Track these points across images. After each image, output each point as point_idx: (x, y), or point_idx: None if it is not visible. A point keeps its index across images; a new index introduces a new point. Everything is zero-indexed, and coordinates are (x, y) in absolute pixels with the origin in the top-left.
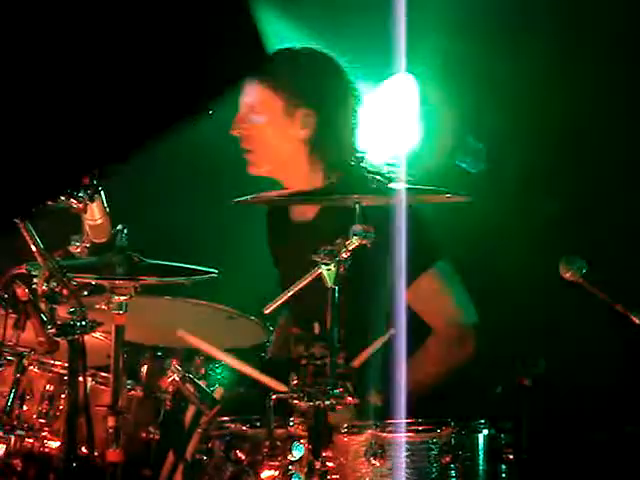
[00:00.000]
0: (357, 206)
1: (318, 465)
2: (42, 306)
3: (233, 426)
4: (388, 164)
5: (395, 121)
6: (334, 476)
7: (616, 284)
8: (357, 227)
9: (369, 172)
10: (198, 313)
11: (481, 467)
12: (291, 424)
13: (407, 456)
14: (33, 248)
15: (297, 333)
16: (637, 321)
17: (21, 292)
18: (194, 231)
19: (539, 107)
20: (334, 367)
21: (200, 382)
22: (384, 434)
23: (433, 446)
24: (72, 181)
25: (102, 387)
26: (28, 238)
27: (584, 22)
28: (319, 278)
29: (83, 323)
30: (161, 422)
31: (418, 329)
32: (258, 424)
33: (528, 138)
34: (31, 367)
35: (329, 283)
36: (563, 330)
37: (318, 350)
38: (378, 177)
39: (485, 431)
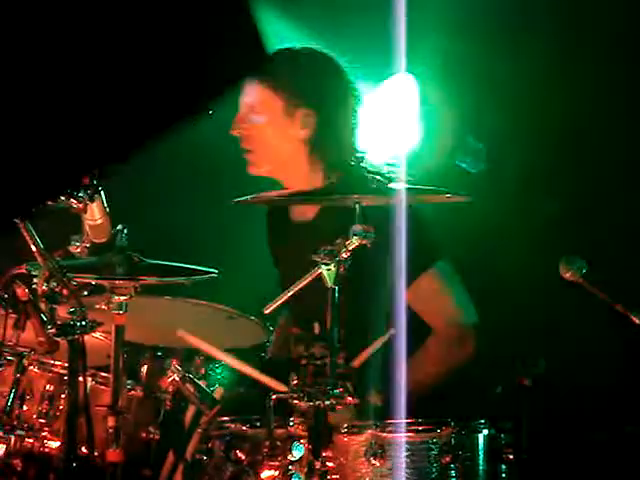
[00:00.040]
0: (357, 206)
1: (318, 465)
2: (42, 306)
3: (233, 426)
4: (388, 164)
5: (395, 121)
6: (334, 476)
7: (616, 284)
8: (357, 227)
9: (369, 172)
10: (198, 313)
11: (481, 467)
12: (291, 424)
13: (407, 456)
14: (33, 248)
15: (297, 333)
16: (637, 321)
17: (21, 292)
18: (194, 231)
19: (539, 107)
20: (334, 367)
21: (200, 382)
22: (384, 434)
23: (433, 446)
24: (72, 181)
25: (102, 387)
26: (28, 238)
27: (584, 22)
28: (319, 278)
29: (83, 323)
30: (161, 422)
31: (418, 329)
32: (258, 424)
33: (528, 138)
34: (31, 367)
35: (329, 283)
36: (563, 330)
37: (318, 350)
38: (378, 177)
39: (485, 431)
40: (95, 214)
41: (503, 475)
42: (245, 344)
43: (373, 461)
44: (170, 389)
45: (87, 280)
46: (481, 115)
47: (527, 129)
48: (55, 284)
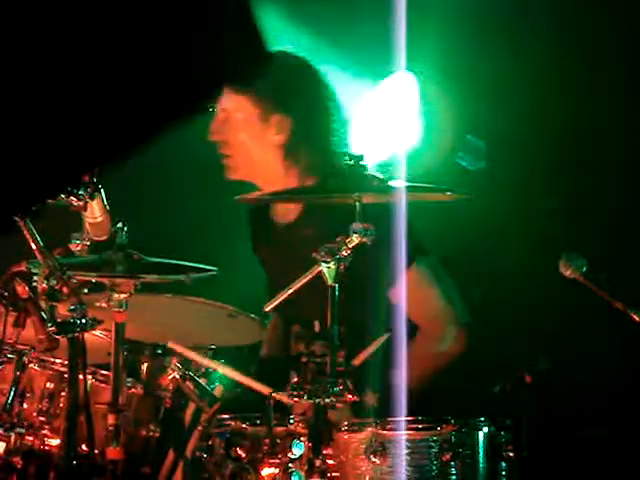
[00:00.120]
0: (357, 204)
1: (318, 463)
2: (42, 304)
3: (233, 424)
4: (387, 162)
5: (395, 119)
6: (334, 474)
7: (616, 282)
8: (357, 225)
9: (368, 171)
10: (198, 311)
11: (481, 465)
12: (291, 422)
13: (407, 454)
14: (33, 246)
15: (297, 331)
16: (637, 319)
17: (21, 290)
18: (194, 229)
19: (539, 107)
20: (334, 365)
21: (200, 380)
22: (384, 432)
23: (433, 444)
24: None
25: (102, 385)
26: (28, 236)
27: (584, 22)
28: (318, 276)
29: (83, 321)
30: (161, 420)
31: (415, 327)
32: (258, 422)
33: (528, 138)
34: (31, 365)
35: (329, 281)
36: (563, 330)
37: (318, 348)
38: (377, 175)
39: (485, 429)
40: (95, 212)
41: (503, 473)
42: (245, 342)
43: (373, 459)
44: (170, 387)
45: (87, 278)
46: (481, 115)
47: (527, 129)
48: (55, 282)
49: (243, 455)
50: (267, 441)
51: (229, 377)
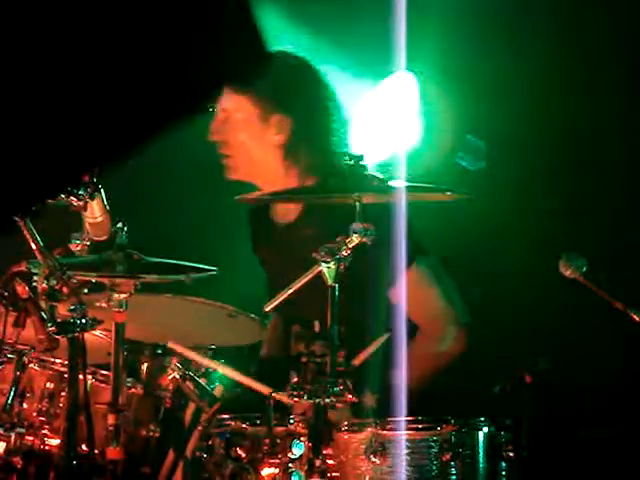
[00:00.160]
0: (357, 204)
1: (318, 463)
2: (42, 304)
3: (233, 424)
4: (387, 162)
5: (395, 119)
6: (334, 474)
7: (616, 282)
8: (357, 225)
9: (368, 171)
10: (198, 311)
11: (481, 465)
12: (291, 422)
13: (407, 454)
14: (33, 246)
15: (297, 331)
16: (637, 319)
17: (21, 290)
18: (194, 230)
19: (539, 107)
20: (334, 365)
21: (200, 380)
22: (384, 432)
23: (433, 444)
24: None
25: (102, 385)
26: (28, 236)
27: (584, 22)
28: (318, 276)
29: (83, 321)
30: (161, 420)
31: (416, 328)
32: (258, 422)
33: (528, 138)
34: (31, 365)
35: (329, 281)
36: (563, 330)
37: (318, 348)
38: (377, 175)
39: (485, 429)
40: (95, 212)
41: (503, 473)
42: (246, 342)
43: (373, 459)
44: (170, 387)
45: (87, 278)
46: (481, 114)
47: (527, 129)
48: (55, 282)
49: (243, 455)
50: (267, 441)
51: (229, 377)
